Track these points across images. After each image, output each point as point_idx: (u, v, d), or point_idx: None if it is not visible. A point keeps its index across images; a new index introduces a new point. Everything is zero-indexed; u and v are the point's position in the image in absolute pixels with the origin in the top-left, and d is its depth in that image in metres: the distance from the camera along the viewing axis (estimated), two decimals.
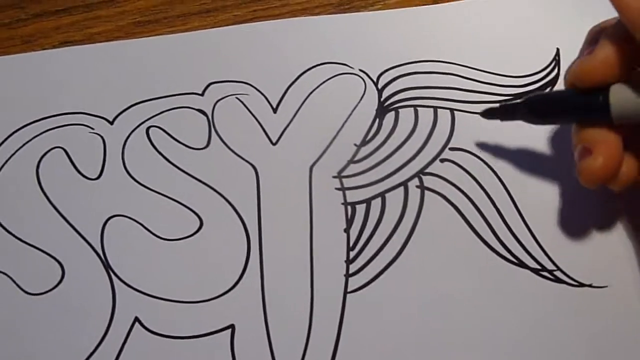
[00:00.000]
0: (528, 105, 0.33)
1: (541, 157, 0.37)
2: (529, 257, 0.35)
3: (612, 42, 0.29)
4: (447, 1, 0.43)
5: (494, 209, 0.36)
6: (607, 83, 0.29)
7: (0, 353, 0.33)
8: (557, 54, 0.40)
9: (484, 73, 0.40)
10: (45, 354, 0.34)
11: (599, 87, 0.30)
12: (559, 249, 0.35)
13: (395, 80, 0.40)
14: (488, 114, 0.35)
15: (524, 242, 0.35)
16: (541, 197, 0.36)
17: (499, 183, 0.36)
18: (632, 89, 0.29)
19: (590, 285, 0.34)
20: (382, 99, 0.39)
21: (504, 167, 0.37)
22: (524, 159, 0.37)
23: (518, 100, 0.34)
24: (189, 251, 0.35)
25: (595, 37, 0.32)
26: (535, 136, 0.37)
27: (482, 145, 0.37)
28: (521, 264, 0.35)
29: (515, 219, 0.36)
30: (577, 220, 0.35)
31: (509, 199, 0.36)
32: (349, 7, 0.43)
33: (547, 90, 0.39)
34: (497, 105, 0.35)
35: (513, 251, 0.35)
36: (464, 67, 0.40)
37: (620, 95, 0.29)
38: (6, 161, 0.38)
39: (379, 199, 0.36)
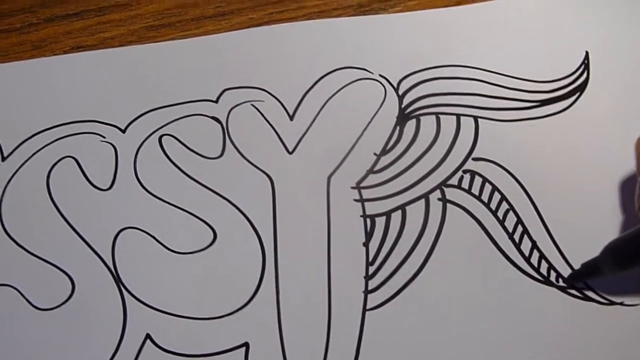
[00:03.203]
0: (610, 256, 0.31)
1: (570, 169, 0.35)
2: (555, 274, 0.33)
3: None
4: (471, 3, 0.41)
5: (519, 224, 0.34)
6: None
7: None
8: (587, 57, 0.38)
9: (508, 78, 0.38)
10: None
11: None
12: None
13: (417, 86, 0.38)
14: (574, 280, 0.33)
15: (550, 259, 0.34)
16: (569, 212, 0.34)
17: (525, 196, 0.35)
18: None
19: (621, 304, 0.32)
20: (403, 106, 0.38)
21: (531, 179, 0.35)
22: (551, 171, 0.35)
23: (596, 256, 0.32)
24: (202, 265, 0.34)
25: None
26: (564, 148, 0.36)
27: (507, 155, 0.36)
28: (547, 282, 0.33)
29: (542, 235, 0.34)
30: (606, 236, 0.34)
31: (535, 213, 0.35)
32: (367, 9, 0.41)
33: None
34: (579, 269, 0.33)
35: (539, 268, 0.33)
36: (487, 72, 0.38)
37: None
38: (17, 170, 0.37)
39: (399, 212, 0.35)
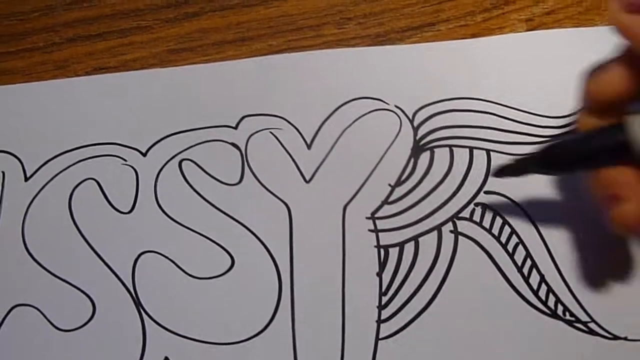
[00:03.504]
0: (541, 157, 0.31)
1: (580, 205, 0.36)
2: (562, 308, 0.34)
3: (622, 61, 0.28)
4: (487, 35, 0.42)
5: (528, 258, 0.35)
6: (622, 101, 0.27)
7: None
8: None
9: (522, 113, 0.39)
10: None
11: (614, 125, 0.27)
12: (593, 301, 0.34)
13: (432, 118, 0.39)
14: (500, 173, 0.33)
15: (557, 293, 0.34)
16: (577, 247, 0.35)
17: (535, 230, 0.36)
18: None
19: (625, 338, 0.33)
20: (417, 137, 0.38)
21: (541, 214, 0.36)
22: (562, 206, 0.36)
23: (531, 153, 0.32)
24: (220, 291, 0.35)
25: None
26: (575, 182, 0.36)
27: (518, 189, 0.37)
28: (554, 315, 0.34)
29: (550, 269, 0.35)
30: (613, 271, 0.35)
31: (544, 247, 0.35)
32: (385, 39, 0.42)
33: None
34: (509, 162, 0.33)
35: (547, 301, 0.34)
36: (501, 106, 0.39)
37: (638, 128, 0.26)
38: (39, 191, 0.38)
39: (412, 243, 0.36)
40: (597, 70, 0.28)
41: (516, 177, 0.33)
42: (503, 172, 0.34)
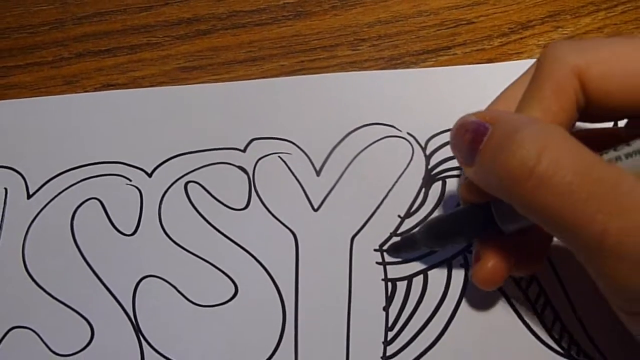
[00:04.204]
0: (426, 231, 0.33)
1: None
2: (576, 349, 0.33)
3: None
4: (503, 60, 0.41)
5: (542, 294, 0.34)
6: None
7: None
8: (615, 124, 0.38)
9: None
10: None
11: (483, 205, 0.30)
12: (608, 342, 0.33)
13: (445, 146, 0.38)
14: (392, 250, 0.35)
15: (571, 331, 0.33)
16: (593, 284, 0.34)
17: (549, 266, 0.35)
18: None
19: None
20: (429, 167, 0.37)
21: (555, 249, 0.35)
22: None
23: (416, 230, 0.35)
24: (222, 320, 0.34)
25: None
26: None
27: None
28: (568, 355, 0.33)
29: (565, 306, 0.34)
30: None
31: (558, 283, 0.34)
32: (399, 62, 0.41)
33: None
34: (400, 240, 0.35)
35: (560, 340, 0.33)
36: None
37: (501, 210, 0.29)
38: (41, 209, 0.37)
39: (420, 277, 0.35)
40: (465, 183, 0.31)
41: (411, 252, 0.35)
42: (397, 249, 0.35)
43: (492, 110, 0.30)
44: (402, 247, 0.35)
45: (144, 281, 0.35)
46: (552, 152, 0.24)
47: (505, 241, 0.30)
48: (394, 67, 0.41)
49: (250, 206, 0.37)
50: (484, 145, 0.27)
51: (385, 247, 0.36)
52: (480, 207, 0.30)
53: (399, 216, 0.36)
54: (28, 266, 0.36)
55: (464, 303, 0.34)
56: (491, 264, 0.30)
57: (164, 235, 0.36)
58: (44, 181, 0.38)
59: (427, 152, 0.38)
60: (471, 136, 0.27)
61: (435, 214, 0.37)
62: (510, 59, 0.41)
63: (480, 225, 0.31)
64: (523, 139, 0.24)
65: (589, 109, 0.28)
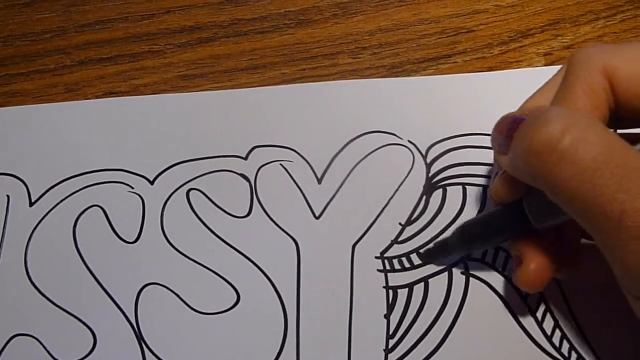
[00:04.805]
0: (459, 235, 0.33)
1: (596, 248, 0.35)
2: (576, 356, 0.33)
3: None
4: (504, 69, 0.41)
5: (542, 301, 0.34)
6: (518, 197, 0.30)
7: None
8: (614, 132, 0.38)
9: None
10: None
11: (515, 203, 0.30)
12: (608, 348, 0.33)
13: (445, 154, 0.38)
14: (426, 257, 0.36)
15: (571, 338, 0.34)
16: (593, 292, 0.34)
17: None
18: (541, 198, 0.28)
19: None
20: (430, 175, 0.38)
21: None
22: None
23: (448, 235, 0.35)
24: (224, 327, 0.34)
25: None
26: None
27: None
28: None
29: (565, 313, 0.34)
30: (629, 317, 0.34)
31: (559, 290, 0.34)
32: (400, 70, 0.41)
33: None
34: (431, 246, 0.36)
35: (560, 348, 0.33)
36: None
37: (533, 207, 0.29)
38: (43, 217, 0.38)
39: (421, 284, 0.35)
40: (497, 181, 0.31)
41: (444, 258, 0.35)
42: (430, 255, 0.35)
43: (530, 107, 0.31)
44: (435, 253, 0.35)
45: (146, 289, 0.36)
46: (578, 131, 0.25)
47: (543, 243, 0.31)
48: (395, 75, 0.41)
49: (251, 214, 0.37)
50: (518, 129, 0.27)
51: (420, 252, 0.36)
52: (511, 206, 0.30)
53: (400, 224, 0.37)
54: (30, 274, 0.36)
55: (464, 310, 0.34)
56: (533, 266, 0.30)
57: (166, 242, 0.37)
58: (46, 188, 0.38)
59: (428, 160, 0.38)
60: (509, 126, 0.28)
61: (437, 221, 0.37)
62: (510, 67, 0.41)
63: (513, 225, 0.31)
64: (550, 118, 0.25)
65: (618, 110, 0.29)
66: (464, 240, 0.33)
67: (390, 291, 0.35)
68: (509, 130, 0.28)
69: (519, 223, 0.30)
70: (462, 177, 0.38)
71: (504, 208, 0.31)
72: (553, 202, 0.26)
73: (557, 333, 0.34)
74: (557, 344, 0.33)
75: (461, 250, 0.34)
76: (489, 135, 0.38)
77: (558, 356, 0.33)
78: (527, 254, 0.31)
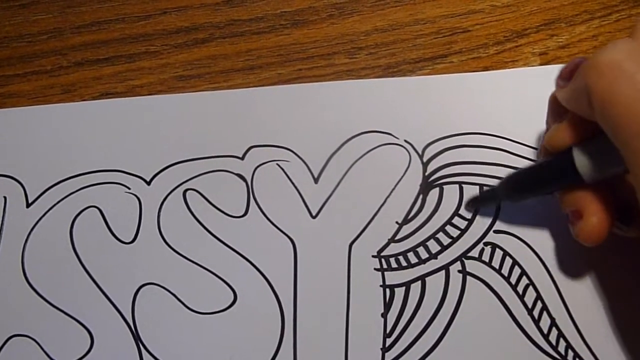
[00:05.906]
0: (507, 183, 0.34)
1: (593, 248, 0.35)
2: (572, 354, 0.33)
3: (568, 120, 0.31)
4: (499, 68, 0.41)
5: (539, 300, 0.34)
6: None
7: None
8: None
9: (532, 149, 0.38)
10: None
11: (564, 153, 0.31)
12: (605, 347, 0.33)
13: (442, 153, 0.38)
14: (471, 204, 0.37)
15: (568, 337, 0.34)
16: (590, 290, 0.34)
17: (546, 272, 0.35)
18: (592, 147, 0.29)
19: None
20: (426, 174, 0.38)
21: (552, 255, 0.35)
22: (574, 248, 0.35)
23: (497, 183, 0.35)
24: (221, 327, 0.34)
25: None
26: None
27: (529, 229, 0.36)
28: None
29: (561, 312, 0.34)
30: (625, 316, 0.34)
31: (555, 289, 0.35)
32: (396, 70, 0.42)
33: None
34: (479, 193, 0.36)
35: (557, 346, 0.33)
36: (512, 142, 0.38)
37: (583, 156, 0.30)
38: (40, 218, 0.38)
39: (418, 283, 0.35)
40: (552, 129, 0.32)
41: (488, 206, 0.36)
42: (476, 202, 0.36)
43: None
44: (481, 200, 0.36)
45: (143, 289, 0.36)
46: None
47: (601, 197, 0.31)
48: (391, 75, 0.41)
49: (248, 213, 0.37)
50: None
51: (465, 201, 0.37)
52: (561, 157, 0.31)
53: (396, 223, 0.37)
54: (27, 274, 0.36)
55: (461, 309, 0.34)
56: (596, 220, 0.31)
57: (163, 242, 0.37)
58: (43, 189, 0.38)
59: (424, 159, 0.38)
60: (578, 62, 0.30)
61: (433, 220, 0.37)
62: (506, 67, 0.41)
63: (561, 175, 0.31)
64: (616, 44, 0.27)
65: None
66: (511, 189, 0.34)
67: (387, 290, 0.35)
68: (576, 64, 0.29)
69: (567, 174, 0.31)
70: (459, 175, 0.38)
71: (552, 159, 0.32)
72: (604, 153, 0.28)
73: (554, 332, 0.34)
74: (553, 343, 0.34)
75: (509, 199, 0.35)
76: (485, 134, 0.39)
77: (555, 355, 0.33)
78: (587, 208, 0.31)
